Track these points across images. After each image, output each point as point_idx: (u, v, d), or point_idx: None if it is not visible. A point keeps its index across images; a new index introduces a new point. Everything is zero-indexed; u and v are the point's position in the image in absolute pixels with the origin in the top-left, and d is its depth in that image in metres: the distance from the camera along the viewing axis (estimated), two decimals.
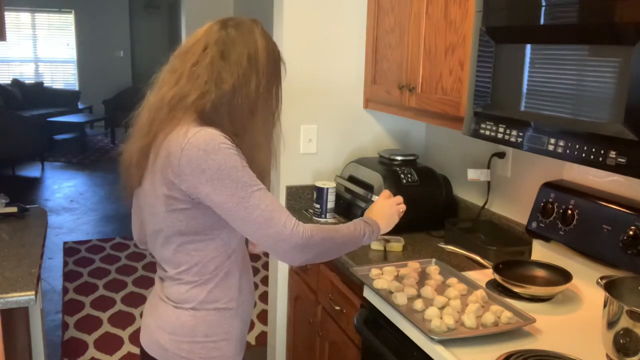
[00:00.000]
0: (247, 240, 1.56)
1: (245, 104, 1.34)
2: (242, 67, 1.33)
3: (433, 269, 1.79)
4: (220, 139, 1.27)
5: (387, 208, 1.60)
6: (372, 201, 2.21)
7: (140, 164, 1.36)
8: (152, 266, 4.43)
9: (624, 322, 1.23)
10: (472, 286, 1.66)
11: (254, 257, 4.52)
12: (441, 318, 1.45)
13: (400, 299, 1.58)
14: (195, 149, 1.24)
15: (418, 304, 1.55)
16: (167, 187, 1.29)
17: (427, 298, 1.59)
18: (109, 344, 3.35)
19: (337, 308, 2.01)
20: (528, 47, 1.50)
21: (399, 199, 1.64)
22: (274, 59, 1.41)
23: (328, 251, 1.40)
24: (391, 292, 1.64)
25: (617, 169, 1.26)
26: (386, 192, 1.65)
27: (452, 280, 1.69)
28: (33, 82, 10.08)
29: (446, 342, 1.38)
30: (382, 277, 1.72)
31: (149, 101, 1.40)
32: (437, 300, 1.55)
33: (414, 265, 1.80)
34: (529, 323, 1.45)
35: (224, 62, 1.32)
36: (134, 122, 1.41)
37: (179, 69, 1.35)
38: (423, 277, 1.75)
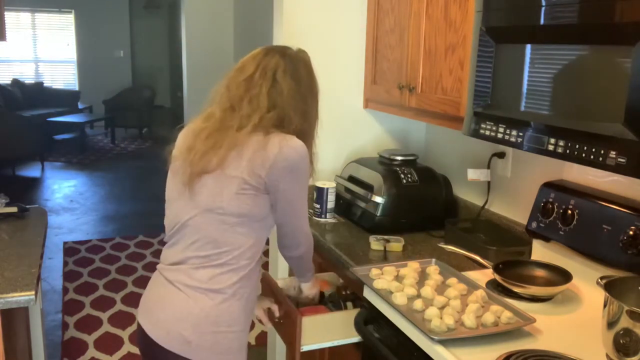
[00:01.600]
0: None
1: (310, 122, 1.66)
2: (313, 94, 1.67)
3: (433, 269, 1.78)
4: (306, 150, 1.54)
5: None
6: (373, 201, 2.22)
7: (220, 152, 1.49)
8: (152, 266, 4.43)
9: (624, 322, 1.23)
10: (472, 286, 1.65)
11: None
12: (441, 318, 1.45)
13: (400, 299, 1.58)
14: (293, 151, 1.48)
15: (418, 304, 1.54)
16: (249, 174, 1.46)
17: (426, 298, 1.58)
18: (109, 344, 3.35)
19: None
20: (528, 47, 1.50)
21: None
22: (315, 81, 1.73)
23: (309, 254, 1.70)
24: (391, 292, 1.63)
25: (617, 169, 1.26)
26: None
27: (452, 280, 1.68)
28: (33, 82, 10.08)
29: (446, 342, 1.38)
30: (382, 277, 1.72)
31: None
32: (437, 300, 1.55)
33: (413, 266, 1.79)
34: (529, 323, 1.45)
35: (298, 87, 1.63)
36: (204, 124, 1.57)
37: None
38: (423, 277, 1.74)
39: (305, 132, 1.60)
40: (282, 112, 1.53)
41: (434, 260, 1.86)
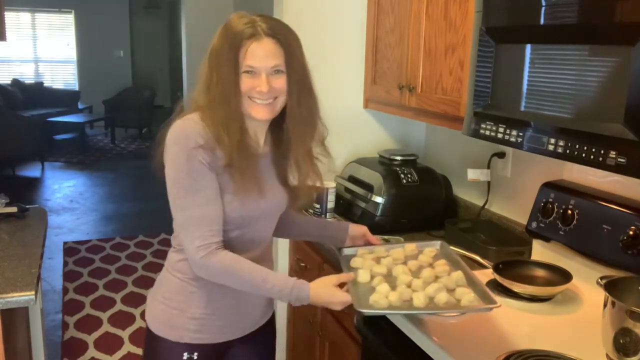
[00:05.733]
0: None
1: (212, 94, 1.41)
2: (213, 58, 1.40)
3: (429, 250, 1.64)
4: (183, 129, 1.38)
5: (329, 296, 1.41)
6: (373, 201, 2.22)
7: None
8: (152, 266, 4.43)
9: (624, 322, 1.23)
10: (458, 268, 1.51)
11: None
12: (386, 297, 1.35)
13: (363, 276, 1.47)
14: (169, 133, 1.40)
15: (377, 281, 1.44)
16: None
17: (393, 277, 1.48)
18: (109, 344, 3.35)
19: None
20: (528, 47, 1.50)
21: (345, 298, 1.40)
22: (222, 44, 1.39)
23: (229, 284, 1.42)
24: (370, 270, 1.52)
25: (617, 169, 1.26)
26: (337, 279, 1.45)
27: (440, 262, 1.55)
28: (33, 82, 10.08)
29: (446, 343, 1.38)
30: (364, 255, 1.61)
31: None
32: (401, 279, 1.44)
33: (410, 247, 1.66)
34: (488, 308, 1.32)
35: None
36: None
37: None
38: (411, 259, 1.60)
39: (209, 105, 1.40)
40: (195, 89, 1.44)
41: (439, 242, 1.72)
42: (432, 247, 1.67)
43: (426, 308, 1.34)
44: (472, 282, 1.43)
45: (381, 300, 1.34)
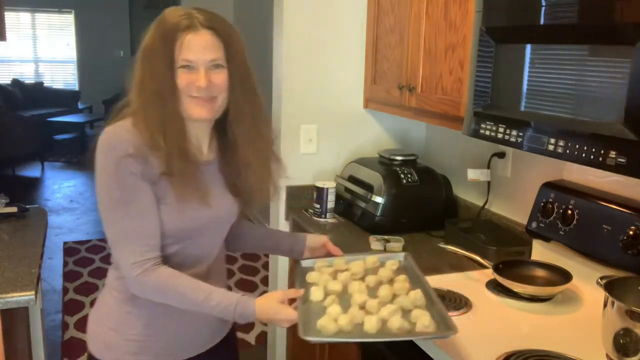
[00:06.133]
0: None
1: (145, 96, 1.30)
2: (144, 54, 1.31)
3: (391, 263, 1.53)
4: (112, 136, 1.29)
5: (275, 313, 1.31)
6: (373, 201, 2.22)
7: None
8: None
9: (624, 322, 1.23)
10: (419, 286, 1.39)
11: (253, 256, 4.52)
12: (335, 320, 1.24)
13: (315, 294, 1.36)
14: (99, 140, 1.30)
15: (329, 300, 1.33)
16: None
17: (349, 294, 1.37)
18: None
19: None
20: (528, 47, 1.50)
21: (291, 315, 1.30)
22: (155, 39, 1.29)
23: (169, 302, 1.32)
24: (324, 287, 1.42)
25: (617, 169, 1.26)
26: (283, 295, 1.34)
27: (401, 277, 1.44)
28: (33, 82, 10.08)
29: (446, 343, 1.38)
30: (322, 269, 1.50)
31: None
32: (355, 298, 1.33)
33: (371, 260, 1.54)
34: (444, 335, 1.25)
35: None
36: None
37: None
38: (371, 273, 1.49)
39: (142, 107, 1.29)
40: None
41: (404, 254, 1.61)
42: (395, 260, 1.56)
43: (377, 334, 1.24)
44: (431, 303, 1.33)
45: (329, 324, 1.23)
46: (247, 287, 4.12)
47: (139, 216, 1.27)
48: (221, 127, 1.39)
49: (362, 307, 1.30)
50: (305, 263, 1.57)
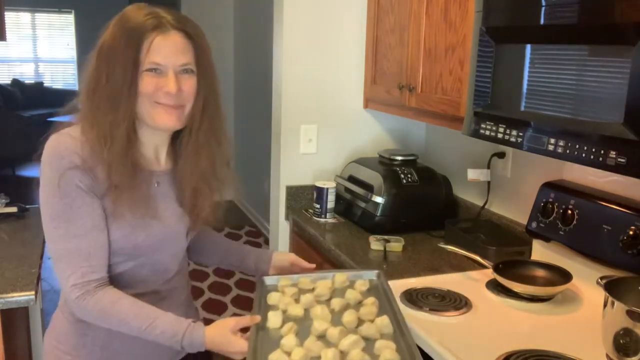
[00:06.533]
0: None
1: (84, 102, 1.22)
2: (91, 58, 1.21)
3: (360, 284, 1.41)
4: (57, 144, 1.19)
5: (226, 344, 1.21)
6: (373, 201, 2.22)
7: None
8: None
9: (624, 322, 1.23)
10: (387, 311, 1.29)
11: None
12: (289, 354, 1.12)
13: (273, 320, 1.24)
14: (44, 150, 1.21)
15: (286, 329, 1.21)
16: None
17: (310, 320, 1.26)
18: None
19: None
20: (528, 47, 1.50)
21: (243, 348, 1.19)
22: (117, 39, 1.18)
23: (112, 328, 1.23)
24: (284, 311, 1.29)
25: (617, 169, 1.26)
26: (236, 323, 1.23)
27: (370, 300, 1.33)
28: (33, 82, 10.08)
29: (446, 343, 1.38)
30: (285, 289, 1.39)
31: None
32: (315, 326, 1.21)
33: (340, 278, 1.43)
34: None
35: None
36: None
37: None
38: (338, 294, 1.38)
39: (91, 112, 1.20)
40: None
41: (376, 272, 1.49)
42: (366, 279, 1.45)
43: None
44: (399, 332, 1.21)
45: (282, 359, 1.12)
46: (249, 286, 4.12)
47: (82, 234, 1.18)
48: (175, 134, 1.31)
49: (323, 335, 1.19)
50: (268, 280, 1.45)
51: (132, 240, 1.25)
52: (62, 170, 1.16)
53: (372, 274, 1.49)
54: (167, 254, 1.35)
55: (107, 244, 1.22)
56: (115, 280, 1.26)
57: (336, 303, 1.32)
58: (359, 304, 1.33)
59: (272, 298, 1.35)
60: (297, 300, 1.34)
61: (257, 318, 1.23)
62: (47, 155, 1.19)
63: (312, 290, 1.39)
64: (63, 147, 1.18)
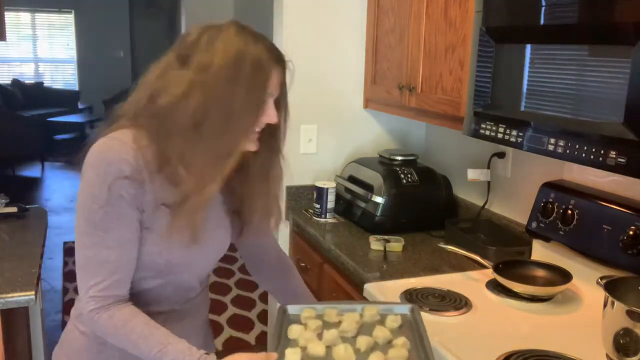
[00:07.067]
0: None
1: (184, 123, 1.12)
2: (188, 75, 1.12)
3: (392, 319, 1.27)
4: (107, 149, 1.13)
5: None
6: (373, 201, 2.22)
7: None
8: None
9: (624, 322, 1.23)
10: (418, 353, 1.16)
11: None
12: None
13: (291, 356, 1.13)
14: (90, 152, 1.15)
15: None
16: None
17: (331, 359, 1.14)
18: None
19: None
20: (528, 47, 1.50)
21: None
22: (243, 67, 1.12)
23: (122, 347, 1.17)
24: (303, 348, 1.17)
25: (617, 169, 1.26)
26: (249, 359, 1.14)
27: (400, 340, 1.18)
28: (33, 82, 10.08)
29: (446, 343, 1.37)
30: (309, 321, 1.25)
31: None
32: None
33: (370, 312, 1.29)
34: None
35: (178, 68, 1.15)
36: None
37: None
38: (366, 330, 1.24)
39: (198, 139, 1.13)
40: None
41: (409, 307, 1.33)
42: (398, 315, 1.29)
43: None
44: None
45: None
46: (249, 286, 4.13)
47: (115, 246, 1.13)
48: None
49: None
50: (291, 309, 1.31)
51: (166, 256, 1.20)
52: (109, 177, 1.11)
53: (406, 309, 1.33)
54: (195, 274, 1.31)
55: (135, 260, 1.17)
56: (136, 296, 1.20)
57: (362, 342, 1.18)
58: (388, 344, 1.19)
59: (293, 331, 1.22)
60: (320, 336, 1.21)
61: (273, 356, 1.12)
62: (94, 158, 1.14)
63: (338, 323, 1.25)
64: (112, 153, 1.12)
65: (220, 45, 1.12)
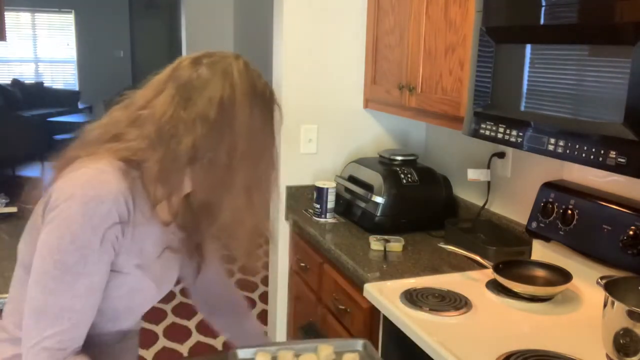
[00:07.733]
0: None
1: (213, 173, 1.03)
2: (209, 119, 1.01)
3: (349, 358, 1.21)
4: (99, 184, 0.98)
5: None
6: (373, 201, 2.22)
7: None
8: None
9: (624, 322, 1.23)
10: None
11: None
12: None
13: None
14: (69, 182, 0.99)
15: None
16: (42, 218, 1.03)
17: None
18: None
19: (342, 307, 2.01)
20: (528, 47, 1.50)
21: None
22: (263, 105, 1.06)
23: None
24: None
25: (617, 169, 1.26)
26: None
27: None
28: (33, 82, 10.08)
29: (446, 343, 1.37)
30: None
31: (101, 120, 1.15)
32: None
33: (325, 352, 1.22)
34: None
35: (185, 113, 1.01)
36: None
37: (130, 107, 1.15)
38: None
39: (208, 188, 1.06)
40: None
41: (362, 342, 1.27)
42: (354, 353, 1.24)
43: None
44: None
45: None
46: (248, 287, 4.12)
47: (83, 295, 0.98)
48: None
49: None
50: (242, 354, 1.21)
51: (126, 302, 1.09)
52: (96, 218, 0.96)
53: (359, 344, 1.27)
54: (140, 315, 1.21)
55: (97, 305, 1.03)
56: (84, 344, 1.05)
57: None
58: None
59: None
60: None
61: None
62: (81, 192, 0.97)
63: None
64: (104, 190, 0.97)
65: (236, 84, 1.05)
